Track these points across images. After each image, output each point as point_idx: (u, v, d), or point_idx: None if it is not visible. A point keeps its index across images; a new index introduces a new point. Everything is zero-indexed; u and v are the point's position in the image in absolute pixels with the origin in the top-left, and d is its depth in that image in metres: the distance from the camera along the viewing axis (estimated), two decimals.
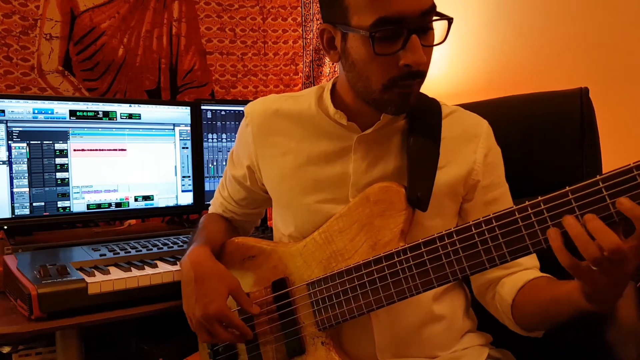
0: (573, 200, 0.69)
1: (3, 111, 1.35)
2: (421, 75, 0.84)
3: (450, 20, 0.83)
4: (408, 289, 0.82)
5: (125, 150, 1.52)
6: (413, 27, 0.79)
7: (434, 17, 0.82)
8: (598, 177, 0.67)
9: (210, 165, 1.67)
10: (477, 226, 0.76)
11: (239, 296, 0.91)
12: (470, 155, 0.94)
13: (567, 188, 0.69)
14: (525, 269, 0.92)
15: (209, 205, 1.22)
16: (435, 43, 0.84)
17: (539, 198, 0.71)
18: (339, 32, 0.86)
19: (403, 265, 0.82)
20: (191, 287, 0.90)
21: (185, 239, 1.42)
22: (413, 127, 0.93)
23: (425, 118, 0.94)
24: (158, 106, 1.58)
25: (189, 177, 1.64)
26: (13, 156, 1.37)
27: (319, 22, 2.25)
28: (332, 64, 2.27)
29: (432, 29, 0.83)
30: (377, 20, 0.78)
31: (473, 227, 0.76)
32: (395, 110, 0.87)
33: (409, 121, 0.94)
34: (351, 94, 0.91)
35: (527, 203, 0.72)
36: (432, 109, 0.96)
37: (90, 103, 1.47)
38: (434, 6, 0.81)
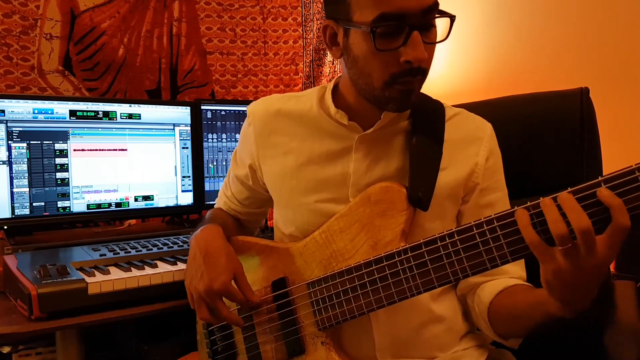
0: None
1: (3, 111, 1.35)
2: (422, 72, 0.84)
3: (452, 18, 0.83)
4: (409, 289, 0.82)
5: (125, 150, 1.52)
6: (414, 24, 0.79)
7: (436, 15, 0.82)
8: (600, 178, 0.67)
9: (210, 165, 1.67)
10: (479, 226, 0.76)
11: (241, 281, 0.90)
12: (472, 157, 0.94)
13: (569, 189, 0.69)
14: (510, 278, 0.92)
15: (209, 205, 1.22)
16: (437, 40, 0.84)
17: (541, 199, 0.71)
18: (341, 28, 0.87)
19: (404, 265, 0.82)
20: (199, 261, 0.90)
21: (185, 239, 1.42)
22: (416, 128, 0.93)
23: (428, 119, 0.94)
24: (158, 106, 1.58)
25: (189, 177, 1.64)
26: (13, 156, 1.37)
27: (319, 22, 2.25)
28: (333, 64, 2.27)
29: (434, 26, 0.83)
30: (379, 15, 0.78)
31: (474, 227, 0.76)
32: (396, 107, 0.87)
33: (412, 122, 0.94)
34: (353, 92, 0.91)
35: (529, 204, 0.72)
36: (435, 110, 0.96)
37: (90, 103, 1.47)
38: (436, 4, 0.81)
